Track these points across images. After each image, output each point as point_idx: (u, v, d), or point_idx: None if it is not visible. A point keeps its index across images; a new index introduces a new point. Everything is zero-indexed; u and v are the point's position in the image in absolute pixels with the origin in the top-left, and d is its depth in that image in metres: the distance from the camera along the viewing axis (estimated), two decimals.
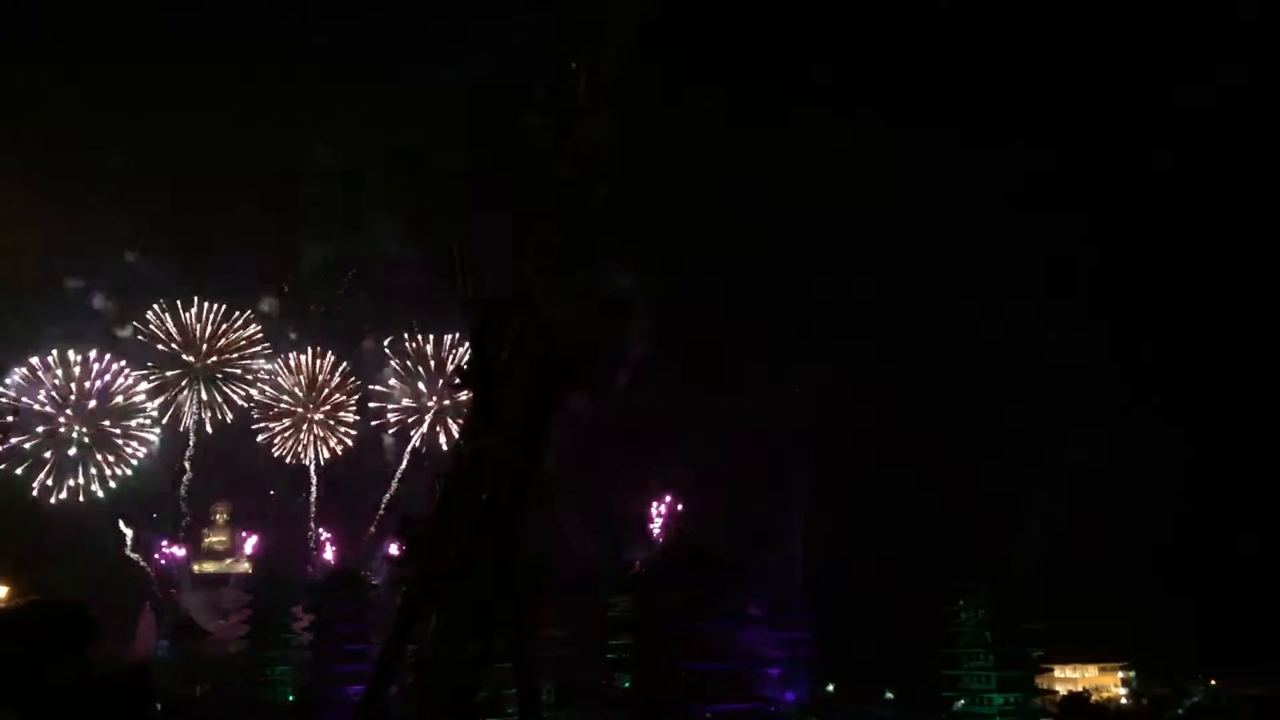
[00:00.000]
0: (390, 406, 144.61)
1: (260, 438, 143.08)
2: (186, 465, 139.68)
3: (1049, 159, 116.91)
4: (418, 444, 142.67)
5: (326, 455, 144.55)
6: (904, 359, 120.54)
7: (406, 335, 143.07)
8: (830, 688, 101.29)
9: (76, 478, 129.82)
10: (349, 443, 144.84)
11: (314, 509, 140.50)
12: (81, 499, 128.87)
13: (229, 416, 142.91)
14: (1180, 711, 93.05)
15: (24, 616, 4.47)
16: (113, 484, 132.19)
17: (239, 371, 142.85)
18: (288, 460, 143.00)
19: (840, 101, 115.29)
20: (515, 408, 12.17)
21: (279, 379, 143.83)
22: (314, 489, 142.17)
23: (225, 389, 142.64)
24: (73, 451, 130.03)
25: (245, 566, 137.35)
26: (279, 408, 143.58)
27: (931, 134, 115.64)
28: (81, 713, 3.27)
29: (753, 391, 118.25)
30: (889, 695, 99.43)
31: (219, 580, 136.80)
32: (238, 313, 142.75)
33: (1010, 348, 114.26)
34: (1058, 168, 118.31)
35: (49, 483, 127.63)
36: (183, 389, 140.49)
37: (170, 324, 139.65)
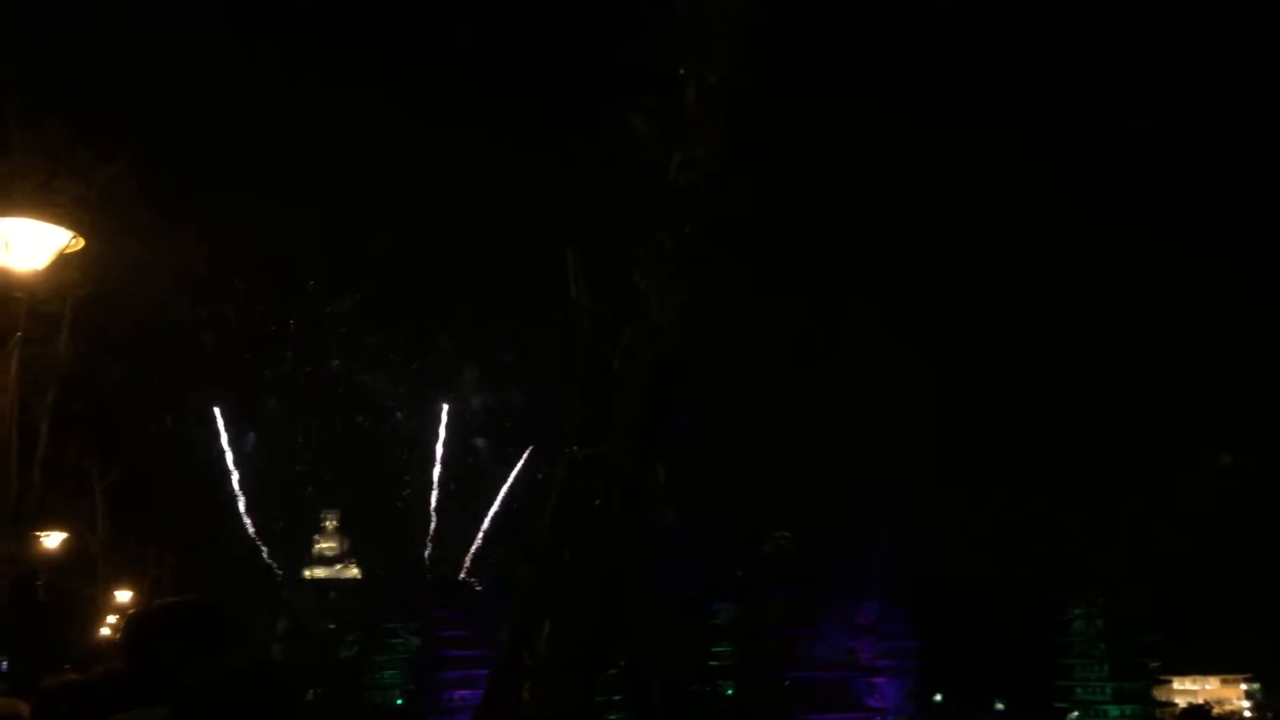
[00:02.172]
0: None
1: None
2: None
3: None
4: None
5: None
6: (1011, 355, 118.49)
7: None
8: (938, 697, 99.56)
9: None
10: None
11: (436, 507, 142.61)
12: None
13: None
14: None
15: (167, 616, 4.58)
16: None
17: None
18: None
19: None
20: (627, 415, 12.23)
21: None
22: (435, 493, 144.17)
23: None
24: None
25: (355, 572, 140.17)
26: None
27: None
28: (225, 708, 3.37)
29: (855, 391, 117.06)
30: (999, 706, 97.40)
31: (329, 586, 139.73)
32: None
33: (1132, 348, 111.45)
34: None
35: None
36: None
37: None
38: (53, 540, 25.26)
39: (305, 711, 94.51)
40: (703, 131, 11.26)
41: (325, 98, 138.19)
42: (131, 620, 4.69)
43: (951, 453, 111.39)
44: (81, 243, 11.27)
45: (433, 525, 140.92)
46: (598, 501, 12.14)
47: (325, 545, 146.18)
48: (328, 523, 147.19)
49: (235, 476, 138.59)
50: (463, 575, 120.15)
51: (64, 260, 11.55)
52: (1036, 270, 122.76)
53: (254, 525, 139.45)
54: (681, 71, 11.08)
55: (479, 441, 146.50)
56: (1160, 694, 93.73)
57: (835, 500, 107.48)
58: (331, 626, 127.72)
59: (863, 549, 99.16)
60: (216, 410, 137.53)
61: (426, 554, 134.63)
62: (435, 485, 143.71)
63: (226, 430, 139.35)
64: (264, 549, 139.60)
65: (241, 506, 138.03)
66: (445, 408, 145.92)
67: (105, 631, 38.19)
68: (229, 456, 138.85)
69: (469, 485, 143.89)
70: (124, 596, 37.91)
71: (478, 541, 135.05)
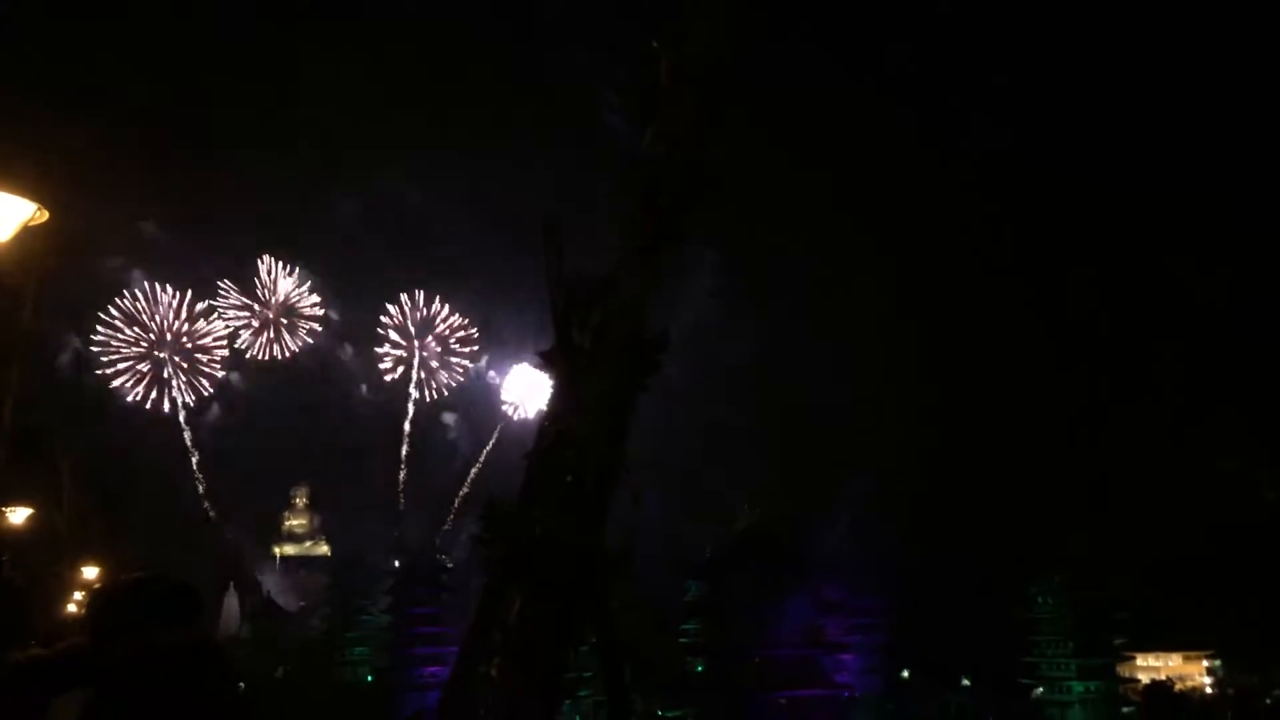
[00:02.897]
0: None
1: None
2: None
3: None
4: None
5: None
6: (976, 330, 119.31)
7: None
8: (905, 674, 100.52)
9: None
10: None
11: (403, 486, 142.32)
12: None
13: None
14: (1269, 701, 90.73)
15: (131, 591, 4.51)
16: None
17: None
18: None
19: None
20: (599, 391, 12.17)
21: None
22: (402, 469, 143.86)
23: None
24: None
25: (325, 550, 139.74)
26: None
27: None
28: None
29: (829, 366, 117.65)
30: (966, 682, 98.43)
31: (299, 563, 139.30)
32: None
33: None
34: None
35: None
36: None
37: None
38: (17, 516, 25.00)
39: (276, 688, 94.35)
40: (677, 106, 11.18)
41: (305, 68, 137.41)
42: (96, 595, 4.62)
43: (922, 430, 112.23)
44: (46, 215, 11.07)
45: (401, 503, 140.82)
46: (569, 478, 12.09)
47: (295, 522, 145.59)
48: (298, 499, 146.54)
49: (196, 458, 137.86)
50: (434, 552, 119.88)
51: (28, 233, 11.34)
52: (1016, 251, 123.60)
53: (220, 501, 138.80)
54: (655, 44, 11.00)
55: (448, 417, 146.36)
56: (1124, 670, 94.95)
57: (806, 478, 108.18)
58: (301, 604, 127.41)
59: (832, 527, 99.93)
60: (177, 384, 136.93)
61: (397, 531, 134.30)
62: (404, 462, 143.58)
63: (189, 406, 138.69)
64: (230, 525, 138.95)
65: (205, 483, 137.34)
66: (413, 385, 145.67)
67: (71, 608, 37.90)
68: (187, 435, 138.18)
69: (441, 461, 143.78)
70: (90, 573, 37.61)
71: (449, 518, 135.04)
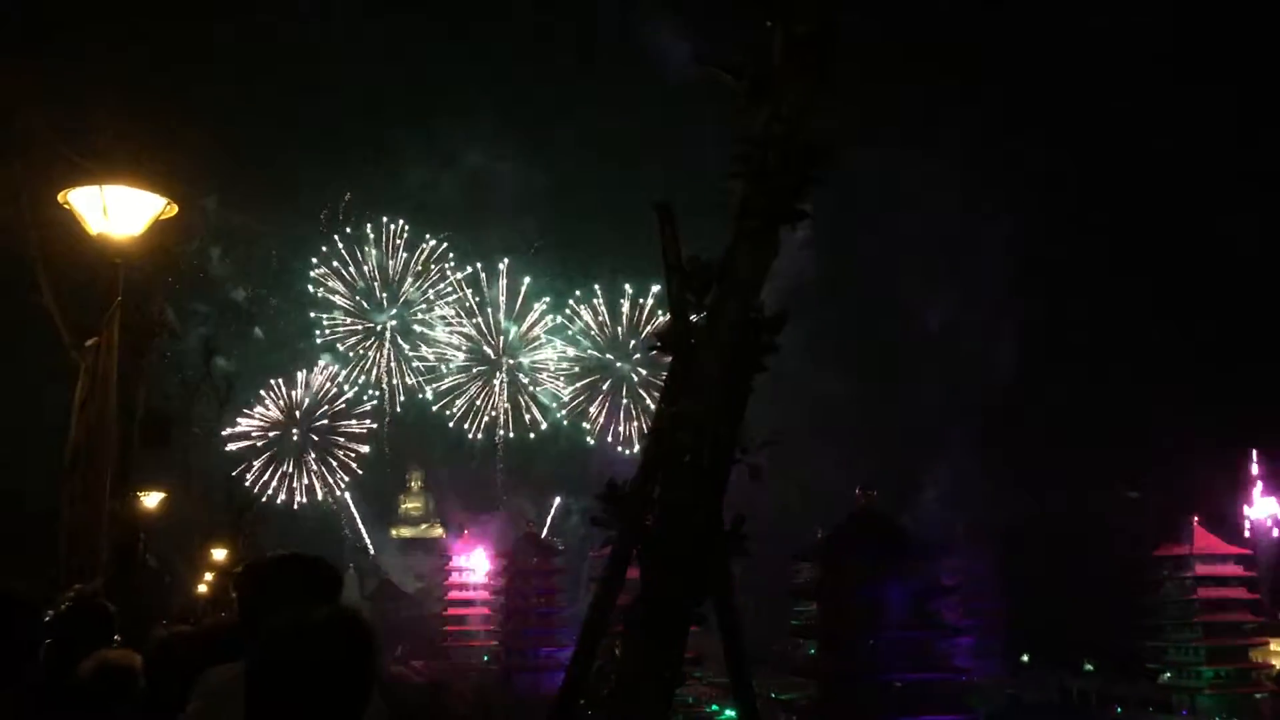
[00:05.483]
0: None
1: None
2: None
3: None
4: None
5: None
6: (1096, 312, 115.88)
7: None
8: (1025, 658, 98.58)
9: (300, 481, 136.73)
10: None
11: (500, 475, 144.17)
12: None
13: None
14: None
15: (282, 568, 4.63)
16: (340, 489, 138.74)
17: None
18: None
19: None
20: (714, 372, 12.14)
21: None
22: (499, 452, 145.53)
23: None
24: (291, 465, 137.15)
25: (440, 531, 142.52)
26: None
27: None
28: (300, 660, 3.34)
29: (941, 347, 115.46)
30: (1089, 667, 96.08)
31: (415, 544, 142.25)
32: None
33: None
34: None
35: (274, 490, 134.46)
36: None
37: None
38: (151, 500, 25.94)
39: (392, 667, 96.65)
40: (790, 84, 11.05)
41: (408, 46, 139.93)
42: (245, 572, 4.77)
43: (1046, 409, 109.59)
44: (175, 209, 11.47)
45: (499, 481, 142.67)
46: (687, 458, 12.07)
47: (411, 505, 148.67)
48: (413, 482, 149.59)
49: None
50: (545, 533, 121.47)
51: (158, 227, 11.74)
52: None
53: (339, 484, 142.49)
54: (769, 23, 10.86)
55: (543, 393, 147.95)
56: (1256, 656, 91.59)
57: (922, 459, 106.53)
58: (419, 584, 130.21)
59: (948, 509, 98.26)
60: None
61: (508, 512, 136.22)
62: (499, 449, 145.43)
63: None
64: (351, 507, 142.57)
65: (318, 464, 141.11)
66: (501, 374, 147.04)
67: (201, 589, 39.28)
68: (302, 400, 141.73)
69: (551, 441, 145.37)
70: (219, 555, 38.84)
71: (558, 500, 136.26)
